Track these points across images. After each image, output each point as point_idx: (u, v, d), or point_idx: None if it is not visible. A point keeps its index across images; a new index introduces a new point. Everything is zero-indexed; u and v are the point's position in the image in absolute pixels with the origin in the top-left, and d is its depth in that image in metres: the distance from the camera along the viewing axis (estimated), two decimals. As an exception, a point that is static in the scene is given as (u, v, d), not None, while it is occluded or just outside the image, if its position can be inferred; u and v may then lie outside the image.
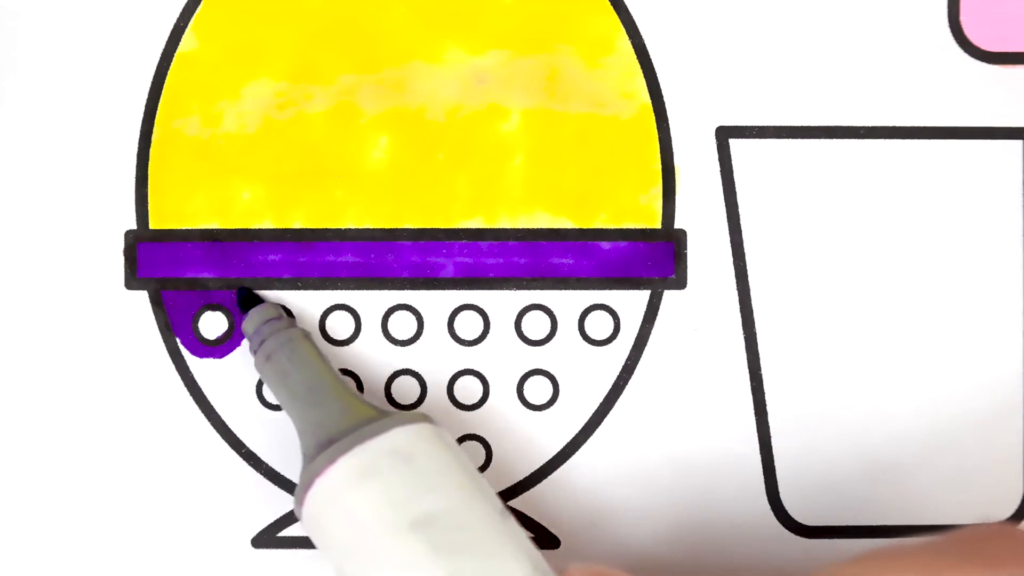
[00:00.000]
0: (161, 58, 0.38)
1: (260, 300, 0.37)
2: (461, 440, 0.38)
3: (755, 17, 0.38)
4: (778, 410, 0.38)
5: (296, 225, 0.38)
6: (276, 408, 0.38)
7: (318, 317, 0.38)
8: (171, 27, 0.38)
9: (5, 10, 0.38)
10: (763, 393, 0.38)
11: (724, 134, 0.38)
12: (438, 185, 0.38)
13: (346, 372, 0.38)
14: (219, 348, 0.38)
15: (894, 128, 0.39)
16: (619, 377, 0.38)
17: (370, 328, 0.38)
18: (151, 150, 0.38)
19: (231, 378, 0.38)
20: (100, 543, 0.38)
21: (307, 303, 0.38)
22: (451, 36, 0.38)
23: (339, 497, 0.33)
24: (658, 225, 0.38)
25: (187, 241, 0.38)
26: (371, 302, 0.38)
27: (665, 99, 0.38)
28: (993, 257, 0.39)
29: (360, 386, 0.38)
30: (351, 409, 0.34)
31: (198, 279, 0.38)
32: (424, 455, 0.33)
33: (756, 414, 0.38)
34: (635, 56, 0.38)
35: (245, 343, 0.38)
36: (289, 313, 0.38)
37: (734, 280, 0.38)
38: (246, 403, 0.38)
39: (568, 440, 0.38)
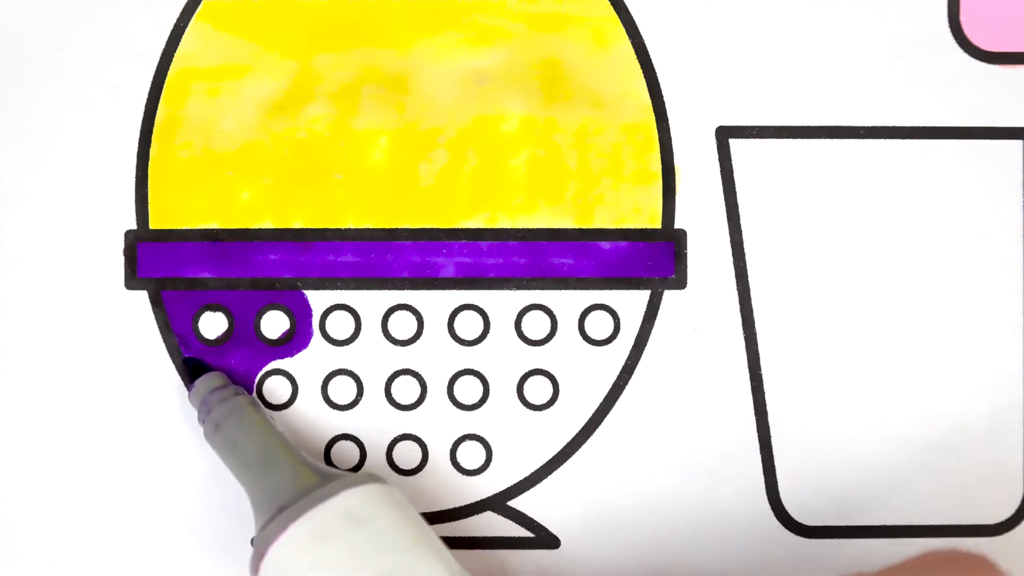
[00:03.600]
0: (161, 58, 0.38)
1: (207, 369, 0.37)
2: (461, 440, 0.38)
3: (755, 17, 0.38)
4: (778, 410, 0.38)
5: (296, 225, 0.38)
6: (277, 408, 0.38)
7: (318, 317, 0.38)
8: (171, 27, 0.38)
9: (5, 10, 0.38)
10: (763, 393, 0.38)
11: (724, 134, 0.38)
12: (438, 185, 0.38)
13: (346, 373, 0.38)
14: (219, 348, 0.38)
15: (894, 128, 0.39)
16: (619, 377, 0.38)
17: (370, 328, 0.38)
18: (151, 150, 0.38)
19: (231, 378, 0.38)
20: (100, 543, 0.38)
21: (307, 303, 0.38)
22: (451, 36, 0.38)
23: (294, 563, 0.33)
24: (658, 225, 0.38)
25: (187, 241, 0.38)
26: (371, 302, 0.38)
27: (665, 99, 0.38)
28: (993, 257, 0.39)
29: (361, 388, 0.38)
30: (301, 474, 0.35)
31: (198, 279, 0.38)
32: (375, 516, 0.33)
33: (756, 414, 0.38)
34: (635, 56, 0.38)
35: (247, 348, 0.38)
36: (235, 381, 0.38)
37: (734, 280, 0.38)
38: (246, 403, 0.38)
39: (568, 440, 0.38)
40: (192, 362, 0.38)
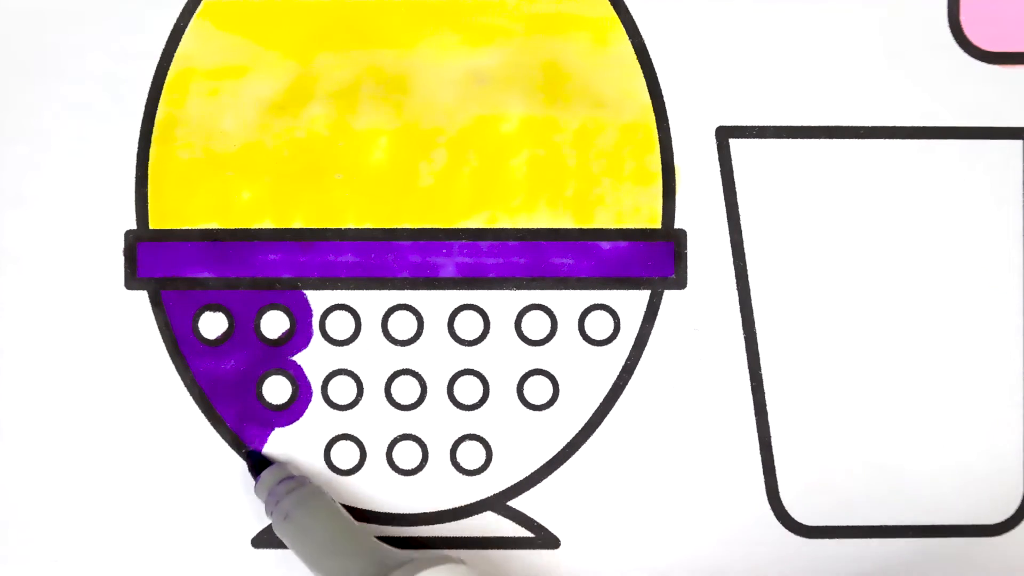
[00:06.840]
0: (161, 58, 0.38)
1: (269, 462, 0.37)
2: (461, 440, 0.38)
3: (755, 17, 0.38)
4: (778, 410, 0.38)
5: (296, 225, 0.38)
6: (276, 408, 0.38)
7: (318, 317, 0.38)
8: (171, 27, 0.38)
9: (6, 11, 0.38)
10: (763, 393, 0.38)
11: (724, 134, 0.38)
12: (438, 185, 0.38)
13: (346, 373, 0.38)
14: (219, 348, 0.38)
15: (894, 128, 0.39)
16: (619, 377, 0.38)
17: (370, 328, 0.38)
18: (151, 150, 0.38)
19: (231, 378, 0.38)
20: (100, 542, 0.38)
21: (307, 303, 0.38)
22: (451, 36, 0.38)
23: None
24: (658, 225, 0.38)
25: (187, 241, 0.38)
26: (371, 302, 0.38)
27: (665, 99, 0.38)
28: (993, 257, 0.39)
29: (361, 388, 0.38)
30: (378, 555, 0.35)
31: (198, 279, 0.38)
32: None
33: (756, 414, 0.38)
34: (635, 56, 0.38)
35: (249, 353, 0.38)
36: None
37: (734, 280, 0.38)
38: (246, 403, 0.38)
39: (568, 440, 0.38)
40: (255, 455, 0.38)
